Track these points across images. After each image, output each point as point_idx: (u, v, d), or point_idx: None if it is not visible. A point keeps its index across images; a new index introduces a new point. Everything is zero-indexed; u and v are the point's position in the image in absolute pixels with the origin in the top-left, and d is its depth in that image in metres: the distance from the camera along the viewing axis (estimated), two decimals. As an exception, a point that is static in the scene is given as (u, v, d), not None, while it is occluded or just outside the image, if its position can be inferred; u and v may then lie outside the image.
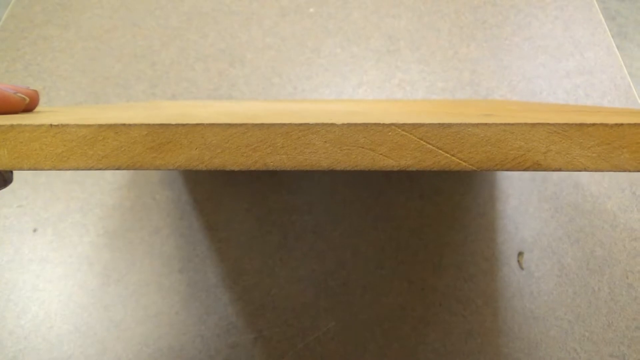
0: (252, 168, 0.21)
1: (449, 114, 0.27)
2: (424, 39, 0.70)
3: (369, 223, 0.60)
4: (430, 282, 0.58)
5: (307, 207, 0.61)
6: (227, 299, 0.57)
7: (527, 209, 0.61)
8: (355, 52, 0.69)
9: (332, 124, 0.21)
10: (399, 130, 0.21)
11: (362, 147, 0.21)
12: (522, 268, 0.57)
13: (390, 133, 0.21)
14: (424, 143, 0.21)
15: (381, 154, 0.21)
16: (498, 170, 0.21)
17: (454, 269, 0.58)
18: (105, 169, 0.22)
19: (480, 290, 0.57)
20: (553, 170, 0.21)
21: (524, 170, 0.21)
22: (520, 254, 0.58)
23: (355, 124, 0.21)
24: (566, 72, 0.68)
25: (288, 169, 0.21)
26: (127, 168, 0.22)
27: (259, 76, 0.67)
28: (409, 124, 0.21)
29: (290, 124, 0.21)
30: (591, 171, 0.23)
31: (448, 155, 0.21)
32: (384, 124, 0.21)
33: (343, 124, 0.21)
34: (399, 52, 0.69)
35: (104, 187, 0.61)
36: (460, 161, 0.21)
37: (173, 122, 0.21)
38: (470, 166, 0.21)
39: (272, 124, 0.21)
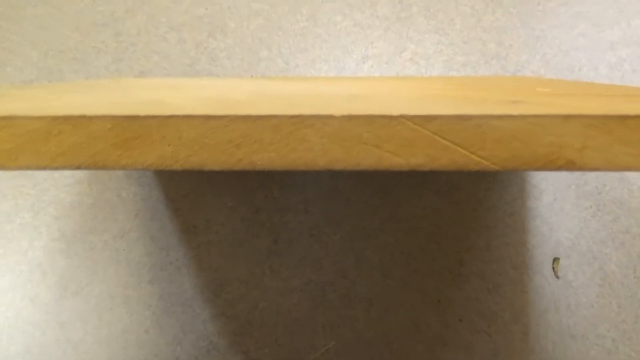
0: (236, 168, 0.21)
1: (468, 99, 0.27)
2: (441, 3, 0.70)
3: (376, 225, 0.60)
4: (448, 294, 0.58)
5: (303, 206, 0.61)
6: (207, 314, 0.57)
7: (564, 207, 0.60)
8: (358, 20, 0.69)
9: (330, 116, 0.21)
10: (409, 123, 0.21)
11: (366, 144, 0.21)
12: (557, 277, 0.57)
13: (398, 127, 0.21)
14: (439, 138, 0.21)
15: (388, 152, 0.21)
16: (525, 170, 0.21)
17: (477, 278, 0.59)
18: (62, 168, 0.22)
19: (508, 303, 0.57)
20: (590, 170, 0.21)
21: (556, 170, 0.21)
22: (555, 260, 0.58)
23: (358, 116, 0.21)
24: (610, 44, 0.68)
25: (278, 169, 0.21)
26: (87, 168, 0.22)
27: (244, 49, 0.67)
28: (421, 116, 0.21)
29: (280, 116, 0.21)
30: (636, 171, 0.24)
31: (467, 152, 0.21)
32: (391, 116, 0.21)
33: (343, 116, 0.21)
34: (412, 19, 0.69)
35: (59, 181, 0.60)
36: (480, 160, 0.21)
37: (142, 114, 0.22)
38: (492, 166, 0.21)
39: (259, 115, 0.21)
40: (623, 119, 0.21)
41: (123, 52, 0.67)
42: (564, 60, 0.66)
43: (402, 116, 0.21)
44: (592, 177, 0.61)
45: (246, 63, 0.66)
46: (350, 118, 0.21)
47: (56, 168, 0.22)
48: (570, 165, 0.21)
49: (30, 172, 0.62)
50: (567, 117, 0.21)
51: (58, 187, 0.60)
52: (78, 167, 0.22)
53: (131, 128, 0.21)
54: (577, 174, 0.61)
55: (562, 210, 0.59)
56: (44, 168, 0.22)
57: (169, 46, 0.67)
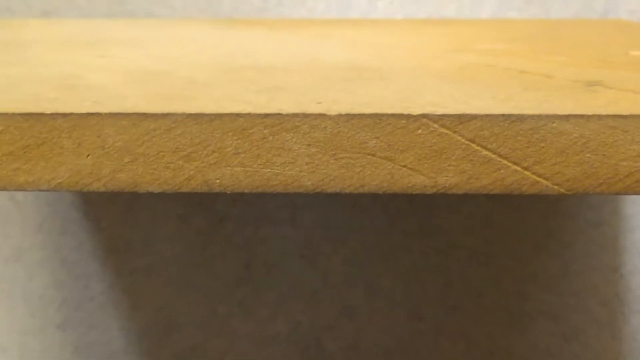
0: (184, 189, 0.23)
1: (525, 76, 0.28)
2: None
3: (397, 240, 0.59)
4: (503, 343, 0.57)
5: (288, 213, 0.60)
6: (147, 375, 0.57)
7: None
8: None
9: (321, 116, 0.22)
10: (435, 125, 0.22)
11: (373, 155, 0.22)
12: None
13: (420, 131, 0.22)
14: (478, 148, 0.22)
15: (405, 167, 0.22)
16: (601, 194, 0.23)
17: (547, 319, 0.57)
18: None
19: (593, 356, 0.56)
20: None
21: None
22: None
23: (360, 116, 0.22)
24: None
25: (246, 191, 0.23)
26: None
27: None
28: (452, 116, 0.22)
29: (249, 115, 0.22)
30: None
31: (518, 168, 0.22)
32: (409, 116, 0.22)
33: (339, 115, 0.22)
34: None
35: None
36: (538, 179, 0.22)
37: (48, 110, 0.22)
38: (554, 187, 0.22)
39: (218, 114, 0.22)
40: None
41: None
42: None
43: (424, 116, 0.22)
44: None
45: (203, -2, 0.65)
46: (349, 118, 0.22)
47: None
48: None
49: None
50: None
51: None
52: None
53: (32, 131, 0.23)
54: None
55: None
56: None
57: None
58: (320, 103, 0.23)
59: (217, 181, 0.23)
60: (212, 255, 0.60)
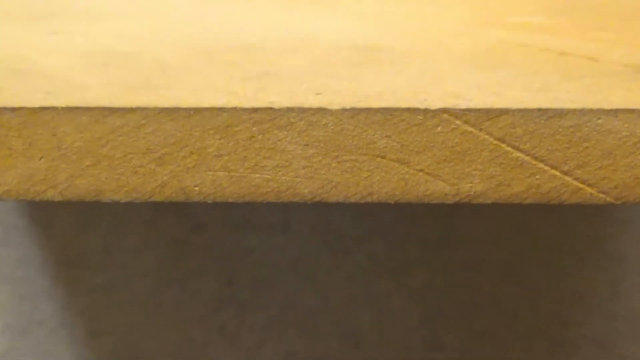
0: (157, 198, 0.23)
1: (566, 58, 0.29)
2: None
3: (412, 252, 0.60)
4: None
5: (280, 220, 0.61)
6: (108, 416, 0.58)
7: None
8: None
9: (321, 110, 0.22)
10: (458, 122, 0.23)
11: (383, 157, 0.23)
12: None
13: (440, 129, 0.22)
14: (509, 149, 0.23)
15: (422, 171, 0.23)
16: None
17: (594, 346, 0.58)
18: None
19: None
20: None
21: None
22: None
23: (368, 110, 0.22)
24: None
25: (231, 200, 0.23)
26: None
27: None
28: (478, 111, 0.22)
29: (234, 109, 0.22)
30: None
31: (557, 173, 0.23)
32: (426, 110, 0.22)
33: (343, 110, 0.22)
34: None
35: None
36: (581, 185, 0.23)
37: None
38: (601, 196, 0.23)
39: (197, 108, 0.23)
40: None
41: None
42: None
43: (445, 110, 0.22)
44: None
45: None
46: (355, 113, 0.23)
47: None
48: None
49: None
50: None
51: None
52: None
53: None
54: None
55: None
56: None
57: None
58: (319, 94, 0.24)
59: (196, 188, 0.23)
60: (187, 270, 0.60)
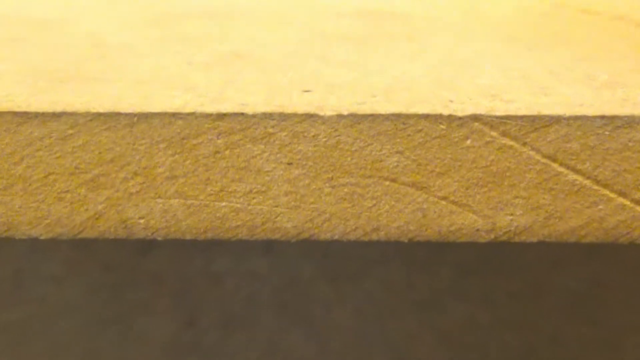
0: (90, 234, 0.24)
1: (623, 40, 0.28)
2: None
3: (441, 283, 0.61)
4: None
5: (259, 244, 0.61)
6: None
7: None
8: None
9: (310, 117, 0.23)
10: (493, 133, 0.23)
11: (393, 180, 0.23)
12: None
13: (469, 142, 0.23)
14: (562, 169, 0.23)
15: (445, 198, 0.23)
16: None
17: None
18: None
19: None
20: None
21: None
22: None
23: (373, 117, 0.23)
24: None
25: (187, 238, 0.24)
26: None
27: None
28: (521, 119, 0.23)
29: (193, 115, 0.23)
30: None
31: (626, 202, 0.23)
32: (451, 117, 0.23)
33: (339, 117, 0.23)
34: None
35: None
36: None
37: None
38: None
39: (143, 113, 0.23)
40: None
41: None
42: None
43: (477, 118, 0.23)
44: None
45: None
46: (355, 120, 0.23)
47: None
48: None
49: None
50: None
51: None
52: None
53: None
54: None
55: None
56: None
57: None
58: (308, 92, 0.24)
59: (142, 221, 0.23)
60: (132, 307, 0.60)
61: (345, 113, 0.23)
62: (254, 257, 0.62)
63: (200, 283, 0.61)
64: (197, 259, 0.62)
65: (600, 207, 0.23)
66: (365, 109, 0.23)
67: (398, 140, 0.23)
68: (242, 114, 0.23)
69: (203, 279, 0.61)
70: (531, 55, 0.27)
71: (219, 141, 0.23)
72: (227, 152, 0.23)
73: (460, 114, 0.23)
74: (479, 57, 0.27)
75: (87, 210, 0.23)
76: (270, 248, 0.62)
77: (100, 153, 0.23)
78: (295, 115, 0.23)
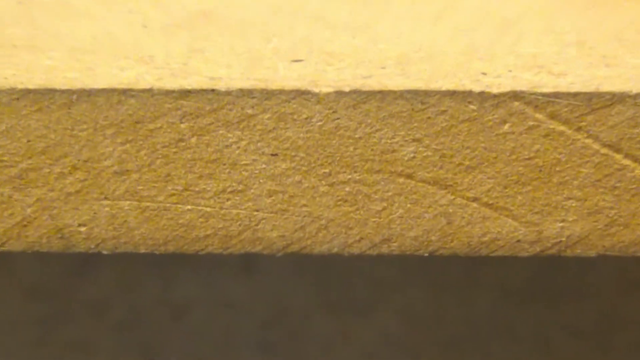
0: (15, 247, 0.24)
1: None
2: None
3: (480, 306, 0.61)
4: None
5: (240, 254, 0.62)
6: None
7: None
8: None
9: (302, 94, 0.23)
10: (539, 115, 0.23)
11: (409, 177, 0.23)
12: None
13: (507, 127, 0.23)
14: (628, 162, 0.23)
15: (476, 200, 0.24)
16: None
17: None
18: None
19: None
20: None
21: None
22: None
23: (382, 95, 0.23)
24: None
25: (141, 251, 0.24)
26: None
27: None
28: (574, 96, 0.23)
29: (149, 92, 0.23)
30: None
31: None
32: (484, 95, 0.23)
33: (339, 94, 0.23)
34: None
35: None
36: None
37: None
38: None
39: (84, 90, 0.23)
40: None
41: None
42: None
43: (517, 95, 0.23)
44: None
45: None
46: (359, 99, 0.23)
47: None
48: None
49: None
50: None
51: None
52: None
53: None
54: None
55: None
56: None
57: None
58: (298, 62, 0.24)
59: (82, 230, 0.24)
60: (66, 347, 0.61)
61: (347, 89, 0.23)
62: (228, 279, 0.62)
63: (157, 315, 0.61)
64: (154, 282, 0.61)
65: None
66: (373, 84, 0.23)
67: (415, 124, 0.23)
68: (213, 90, 0.23)
69: (161, 310, 0.61)
70: (591, 14, 0.27)
71: (183, 126, 0.23)
72: (193, 140, 0.23)
73: (495, 90, 0.23)
74: (522, 15, 0.27)
75: (12, 215, 0.23)
76: (250, 266, 0.61)
77: (29, 142, 0.23)
78: (281, 92, 0.23)
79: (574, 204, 0.23)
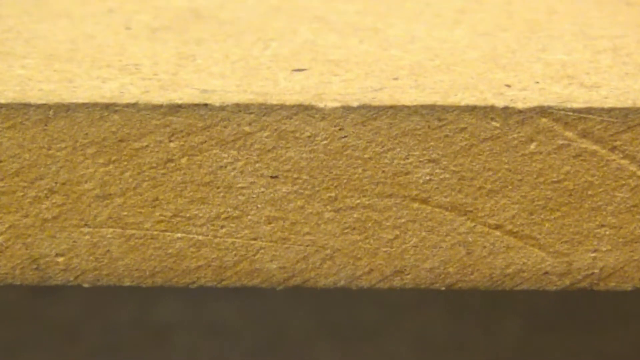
0: None
1: None
2: None
3: (504, 340, 0.62)
4: None
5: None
6: None
7: None
8: None
9: (306, 109, 0.23)
10: (568, 133, 0.23)
11: (423, 201, 0.24)
12: None
13: (534, 147, 0.23)
14: None
15: (499, 227, 0.24)
16: None
17: None
18: None
19: None
20: None
21: None
22: None
23: (394, 111, 0.23)
24: None
25: (126, 284, 0.24)
26: None
27: None
28: (608, 112, 0.23)
29: (134, 107, 0.23)
30: None
31: None
32: (508, 111, 0.23)
33: (345, 109, 0.23)
34: None
35: None
36: None
37: None
38: None
39: (62, 104, 0.23)
40: None
41: None
42: None
43: (545, 111, 0.23)
44: None
45: None
46: (368, 115, 0.23)
47: None
48: None
49: None
50: None
51: None
52: None
53: None
54: None
55: None
56: None
57: None
58: (300, 71, 0.25)
59: (60, 260, 0.24)
60: None
61: (355, 104, 0.23)
62: (216, 300, 0.62)
63: (133, 341, 0.62)
64: (130, 303, 0.62)
65: None
66: (384, 98, 0.23)
67: (431, 143, 0.23)
68: (206, 105, 0.23)
69: (138, 335, 0.62)
70: (625, 16, 0.26)
71: (172, 145, 0.23)
72: (183, 160, 0.23)
73: (521, 105, 0.23)
74: (549, 18, 0.27)
75: None
76: (245, 300, 0.62)
77: (0, 162, 0.23)
78: (282, 107, 0.23)
79: (607, 232, 0.23)
